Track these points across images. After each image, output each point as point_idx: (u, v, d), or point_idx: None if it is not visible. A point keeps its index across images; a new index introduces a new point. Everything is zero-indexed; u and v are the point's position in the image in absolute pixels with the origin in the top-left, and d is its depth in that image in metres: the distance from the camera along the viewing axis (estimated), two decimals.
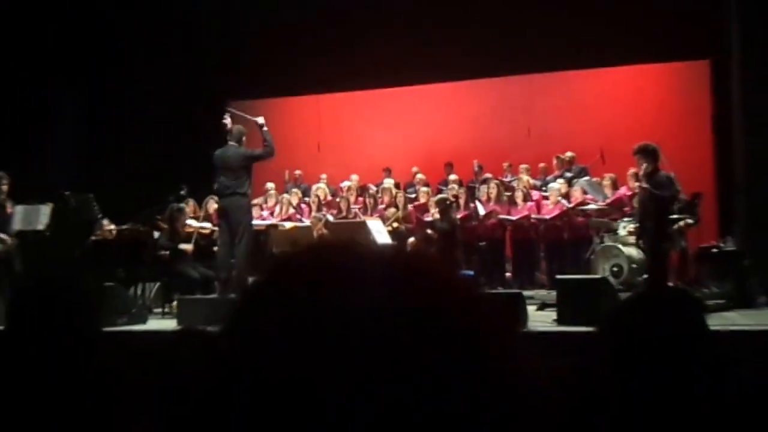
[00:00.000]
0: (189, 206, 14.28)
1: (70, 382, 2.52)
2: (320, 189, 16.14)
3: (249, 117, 11.81)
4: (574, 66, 16.77)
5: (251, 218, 12.10)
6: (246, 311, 0.82)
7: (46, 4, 15.57)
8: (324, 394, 0.72)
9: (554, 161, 15.80)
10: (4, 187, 12.50)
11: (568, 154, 15.65)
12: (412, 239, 13.35)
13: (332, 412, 0.72)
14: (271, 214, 15.52)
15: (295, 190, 16.38)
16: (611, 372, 2.25)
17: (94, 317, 2.90)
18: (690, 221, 12.74)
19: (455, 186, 15.40)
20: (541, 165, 16.06)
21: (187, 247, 13.07)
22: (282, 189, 16.54)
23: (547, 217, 14.32)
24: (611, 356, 2.25)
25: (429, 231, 12.71)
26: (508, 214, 14.58)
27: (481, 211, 14.57)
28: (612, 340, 2.29)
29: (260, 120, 11.49)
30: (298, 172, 17.38)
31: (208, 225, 14.05)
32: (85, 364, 2.64)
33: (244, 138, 11.58)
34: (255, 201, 14.44)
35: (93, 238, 13.18)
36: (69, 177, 15.48)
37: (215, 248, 12.44)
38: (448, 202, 12.72)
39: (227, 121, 11.68)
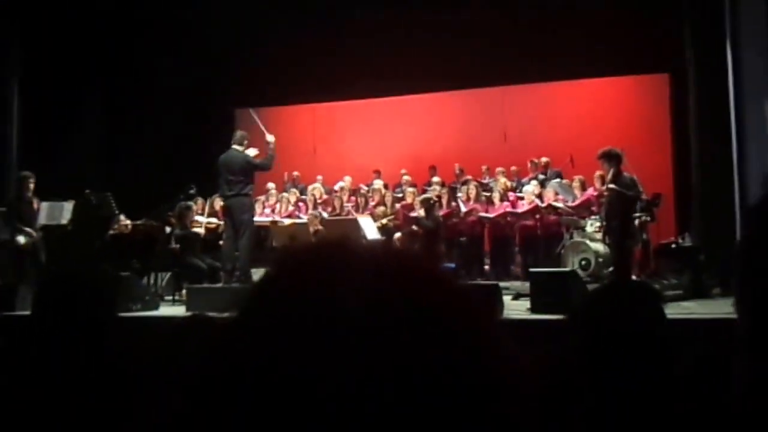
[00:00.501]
0: (197, 204, 14.33)
1: (88, 366, 2.51)
2: (316, 189, 16.15)
3: (264, 129, 11.91)
4: (546, 78, 16.82)
5: (253, 215, 12.10)
6: (250, 308, 0.79)
7: (65, 12, 15.54)
8: (325, 392, 0.69)
9: (528, 165, 15.81)
10: (31, 185, 12.55)
11: (543, 159, 15.66)
12: (398, 234, 13.38)
13: (333, 409, 0.69)
14: (272, 211, 15.57)
15: (293, 189, 16.38)
16: (581, 358, 2.29)
17: (111, 306, 2.89)
18: (647, 219, 12.83)
19: (437, 187, 15.43)
20: (514, 168, 16.03)
21: (200, 230, 13.28)
22: (281, 188, 16.55)
23: (520, 211, 14.38)
24: (581, 343, 2.29)
25: (414, 227, 12.74)
26: (486, 212, 14.67)
27: (463, 208, 14.67)
28: (581, 328, 2.34)
29: (270, 138, 11.61)
30: (295, 173, 17.35)
31: (214, 220, 14.11)
32: (102, 348, 2.62)
33: (246, 142, 11.61)
34: (258, 197, 14.52)
35: (111, 232, 13.22)
36: (89, 176, 15.50)
37: (221, 242, 12.48)
38: (432, 202, 12.75)
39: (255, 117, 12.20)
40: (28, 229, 12.31)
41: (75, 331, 2.58)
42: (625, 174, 10.45)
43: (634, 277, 11.47)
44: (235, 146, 11.51)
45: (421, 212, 13.04)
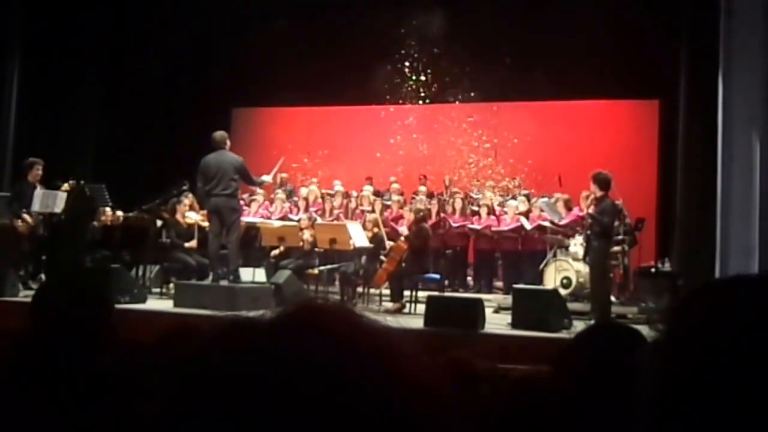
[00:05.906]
0: (188, 199, 14.26)
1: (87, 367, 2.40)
2: (312, 191, 16.02)
3: (274, 171, 13.17)
4: (538, 98, 16.79)
5: (240, 215, 12.02)
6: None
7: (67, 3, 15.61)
8: None
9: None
10: (39, 172, 12.51)
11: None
12: (390, 243, 13.30)
13: None
14: (266, 210, 15.55)
15: (279, 191, 16.13)
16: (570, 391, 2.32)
17: (110, 306, 2.74)
18: (626, 247, 12.89)
19: (424, 197, 15.44)
20: (503, 183, 16.14)
21: (192, 244, 13.16)
22: (270, 190, 16.25)
23: (505, 228, 14.45)
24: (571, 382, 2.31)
25: (402, 239, 12.73)
26: (473, 224, 14.77)
27: (453, 224, 14.82)
28: (568, 371, 2.36)
29: (267, 178, 12.64)
30: (284, 175, 16.83)
31: None
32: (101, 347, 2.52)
33: (228, 142, 11.35)
34: (254, 196, 14.51)
35: (95, 223, 13.19)
36: (84, 166, 15.53)
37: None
38: (421, 214, 12.77)
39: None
40: (25, 216, 12.26)
41: (76, 331, 2.48)
42: (608, 200, 10.39)
43: (613, 299, 11.53)
44: (223, 149, 11.30)
45: (411, 222, 13.12)
